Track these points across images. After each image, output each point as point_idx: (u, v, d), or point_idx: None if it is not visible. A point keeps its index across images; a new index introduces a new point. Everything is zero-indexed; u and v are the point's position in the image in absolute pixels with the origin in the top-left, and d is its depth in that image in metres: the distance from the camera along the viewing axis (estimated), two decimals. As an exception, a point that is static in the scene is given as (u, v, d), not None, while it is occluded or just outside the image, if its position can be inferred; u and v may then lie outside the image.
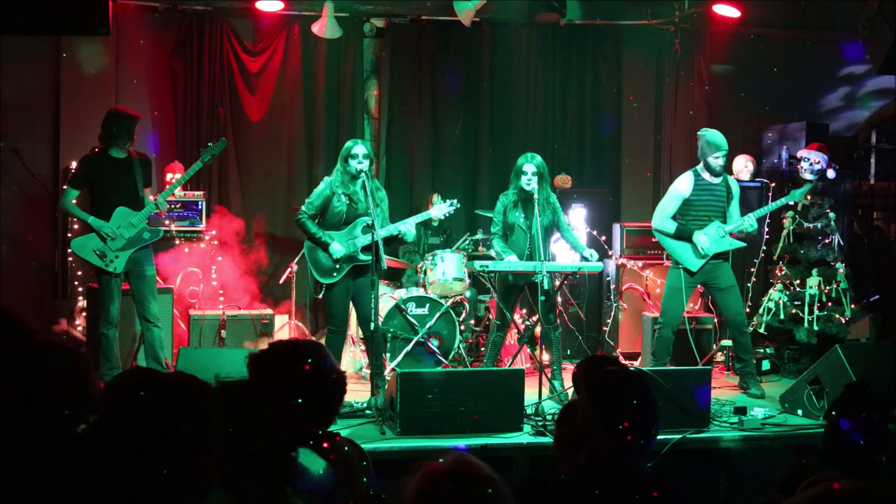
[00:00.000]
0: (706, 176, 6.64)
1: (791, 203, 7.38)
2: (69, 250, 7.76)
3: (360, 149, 6.13)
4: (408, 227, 6.17)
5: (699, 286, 6.92)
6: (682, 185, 6.66)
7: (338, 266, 6.14)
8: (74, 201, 6.44)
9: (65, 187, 7.71)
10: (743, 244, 6.79)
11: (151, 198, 6.36)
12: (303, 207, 6.26)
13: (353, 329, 7.04)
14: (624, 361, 7.74)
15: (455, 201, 6.47)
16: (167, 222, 7.47)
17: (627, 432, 2.54)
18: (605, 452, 2.56)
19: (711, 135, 6.62)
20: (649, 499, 2.53)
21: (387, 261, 6.26)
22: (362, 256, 6.11)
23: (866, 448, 2.85)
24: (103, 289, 6.27)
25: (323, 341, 6.30)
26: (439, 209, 6.39)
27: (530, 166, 6.43)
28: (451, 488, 1.88)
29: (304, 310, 7.98)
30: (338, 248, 6.09)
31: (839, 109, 9.76)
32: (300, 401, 2.58)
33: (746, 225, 6.58)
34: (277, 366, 2.65)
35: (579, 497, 2.53)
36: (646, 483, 2.57)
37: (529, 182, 6.39)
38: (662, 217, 6.68)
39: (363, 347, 7.22)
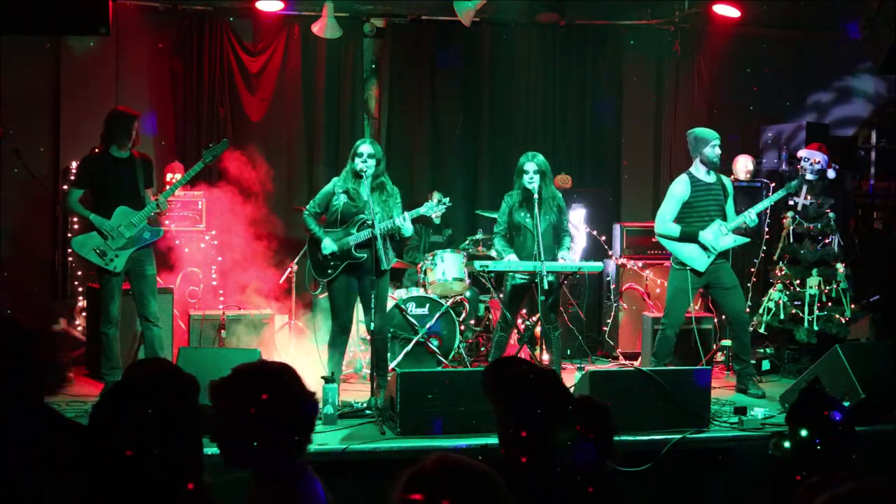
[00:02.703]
0: (701, 176, 6.65)
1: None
2: (69, 250, 7.77)
3: (365, 148, 6.14)
4: (401, 222, 6.08)
5: (702, 287, 6.89)
6: (680, 189, 6.67)
7: (332, 264, 6.15)
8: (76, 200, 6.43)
9: (65, 187, 7.75)
10: (746, 239, 6.81)
11: (153, 198, 6.38)
12: (308, 205, 6.34)
13: (354, 328, 7.04)
14: (624, 361, 7.76)
15: (447, 200, 6.38)
16: (167, 222, 7.47)
17: (542, 432, 2.51)
18: (530, 453, 2.52)
19: (700, 129, 6.73)
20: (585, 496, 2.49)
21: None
22: (356, 254, 6.11)
23: (835, 449, 2.83)
24: (104, 288, 6.28)
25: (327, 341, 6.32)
26: (428, 208, 6.29)
27: (532, 165, 6.43)
28: (441, 486, 1.84)
29: (304, 310, 7.97)
30: (327, 244, 6.11)
31: (839, 109, 9.75)
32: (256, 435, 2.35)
33: (748, 220, 6.60)
34: (235, 393, 2.40)
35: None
36: (578, 480, 2.52)
37: (532, 180, 6.40)
38: (664, 222, 6.68)
39: (363, 347, 7.22)
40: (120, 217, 6.23)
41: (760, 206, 6.83)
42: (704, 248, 6.56)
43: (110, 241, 6.19)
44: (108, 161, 6.30)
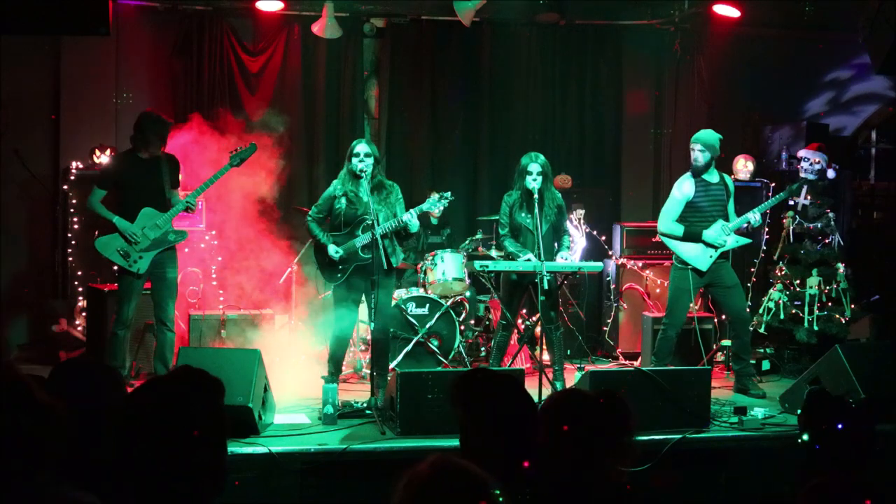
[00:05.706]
0: (704, 175, 6.66)
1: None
2: (69, 250, 7.77)
3: (361, 147, 6.12)
4: (409, 218, 6.05)
5: (704, 287, 6.87)
6: (684, 188, 6.67)
7: (341, 267, 6.14)
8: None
9: (65, 187, 7.74)
10: (748, 240, 6.82)
11: (181, 196, 6.35)
12: (311, 211, 6.31)
13: (355, 328, 7.03)
14: (624, 361, 7.76)
15: (448, 194, 6.35)
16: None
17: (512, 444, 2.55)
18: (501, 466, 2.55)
19: (700, 132, 6.70)
20: None
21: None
22: (363, 255, 6.10)
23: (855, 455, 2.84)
24: (122, 288, 6.24)
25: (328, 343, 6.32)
26: (430, 204, 6.26)
27: (535, 166, 6.43)
28: (440, 491, 1.83)
29: (304, 310, 7.97)
30: (333, 249, 6.10)
31: (839, 109, 9.75)
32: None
33: (752, 220, 6.61)
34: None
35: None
36: None
37: (535, 181, 6.39)
38: (668, 221, 6.68)
39: (363, 347, 7.23)
40: (145, 219, 6.18)
41: (763, 207, 6.83)
42: (707, 246, 6.55)
43: (134, 244, 6.17)
44: (134, 162, 6.25)
